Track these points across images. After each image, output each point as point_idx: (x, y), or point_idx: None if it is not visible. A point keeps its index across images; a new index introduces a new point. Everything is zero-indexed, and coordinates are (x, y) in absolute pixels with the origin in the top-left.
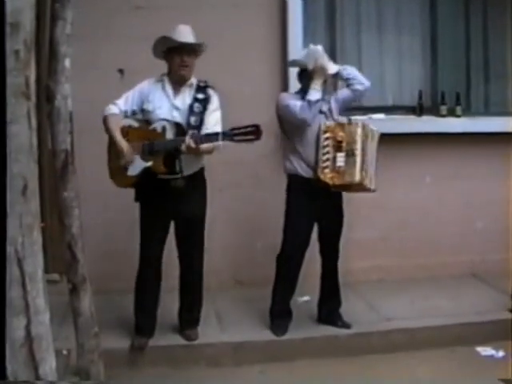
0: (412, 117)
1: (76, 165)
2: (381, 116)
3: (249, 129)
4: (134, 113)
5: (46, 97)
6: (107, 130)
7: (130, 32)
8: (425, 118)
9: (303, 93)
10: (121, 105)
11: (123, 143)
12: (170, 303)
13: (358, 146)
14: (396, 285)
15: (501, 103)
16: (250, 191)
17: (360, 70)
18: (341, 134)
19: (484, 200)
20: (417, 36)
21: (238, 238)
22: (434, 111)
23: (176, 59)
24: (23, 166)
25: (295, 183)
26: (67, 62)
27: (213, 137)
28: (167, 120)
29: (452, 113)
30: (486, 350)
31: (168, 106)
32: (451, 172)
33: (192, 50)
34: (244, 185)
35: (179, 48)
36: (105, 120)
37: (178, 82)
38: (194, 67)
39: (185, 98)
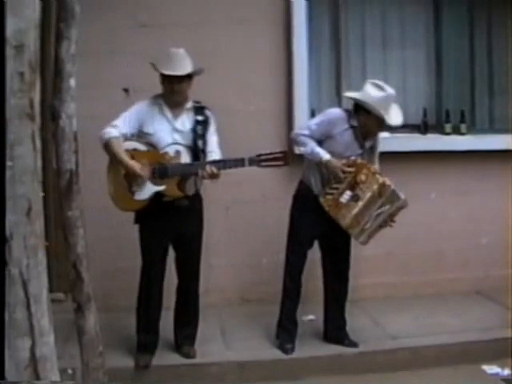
0: (417, 135)
1: (80, 183)
2: (385, 134)
3: (276, 154)
4: (132, 135)
5: (50, 116)
6: (112, 154)
7: (134, 50)
8: (429, 135)
9: (354, 128)
10: (121, 127)
11: (135, 164)
12: (171, 321)
13: (366, 196)
14: (401, 302)
15: (505, 121)
16: (256, 209)
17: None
18: (362, 177)
19: (488, 216)
20: (421, 54)
21: (243, 255)
22: (439, 129)
23: (166, 86)
24: (28, 188)
25: (303, 193)
26: (72, 81)
27: (238, 162)
28: (179, 144)
29: (457, 130)
30: (491, 368)
31: (169, 128)
32: (456, 189)
33: (183, 77)
34: (250, 203)
35: (169, 76)
36: (107, 144)
37: (175, 105)
38: (187, 91)
39: (184, 120)
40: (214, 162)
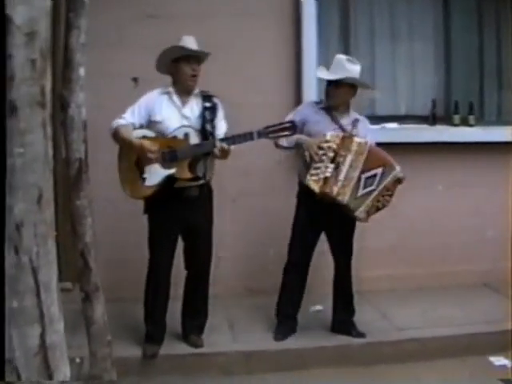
0: (425, 126)
1: (89, 173)
2: (394, 125)
3: (284, 125)
4: (141, 126)
5: (60, 105)
6: (120, 139)
7: (143, 41)
8: (438, 127)
9: (325, 109)
10: (128, 118)
11: (142, 141)
12: (178, 312)
13: (348, 159)
14: (407, 294)
15: None
16: (262, 200)
17: (373, 78)
18: (339, 146)
19: (496, 209)
20: (430, 45)
21: (249, 246)
22: (447, 120)
23: (185, 69)
24: (39, 176)
25: (301, 190)
26: (81, 71)
27: (247, 136)
28: (187, 126)
29: (465, 122)
30: (498, 360)
31: (177, 115)
32: (463, 181)
33: (199, 58)
34: (256, 194)
35: (188, 57)
36: (116, 132)
37: (184, 93)
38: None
39: (193, 107)
40: (223, 139)
